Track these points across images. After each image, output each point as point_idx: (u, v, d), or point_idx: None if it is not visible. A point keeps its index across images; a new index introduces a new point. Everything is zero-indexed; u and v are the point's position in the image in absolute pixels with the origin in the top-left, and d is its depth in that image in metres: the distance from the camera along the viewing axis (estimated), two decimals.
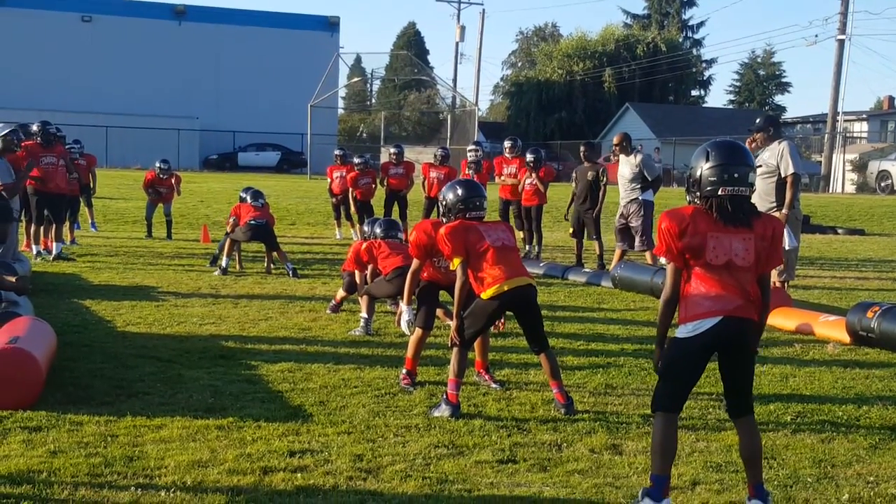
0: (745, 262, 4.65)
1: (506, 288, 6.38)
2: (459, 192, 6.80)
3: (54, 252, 14.15)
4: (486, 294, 6.43)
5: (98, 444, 5.51)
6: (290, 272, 13.05)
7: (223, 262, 13.31)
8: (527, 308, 6.62)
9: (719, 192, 4.64)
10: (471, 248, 6.46)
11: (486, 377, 7.29)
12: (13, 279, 8.01)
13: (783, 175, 10.45)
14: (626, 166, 13.39)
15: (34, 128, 14.25)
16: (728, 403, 4.85)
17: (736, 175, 4.64)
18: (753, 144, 10.85)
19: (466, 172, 16.99)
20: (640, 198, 13.28)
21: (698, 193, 4.74)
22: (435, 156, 17.95)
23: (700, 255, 4.64)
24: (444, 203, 6.86)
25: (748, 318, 4.68)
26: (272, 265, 13.75)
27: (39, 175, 13.74)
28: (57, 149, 14.40)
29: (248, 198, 14.06)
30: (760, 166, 10.52)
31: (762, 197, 10.70)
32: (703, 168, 4.71)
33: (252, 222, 13.37)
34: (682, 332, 4.77)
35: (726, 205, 4.63)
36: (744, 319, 4.66)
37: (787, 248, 10.44)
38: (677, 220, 4.66)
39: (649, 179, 13.31)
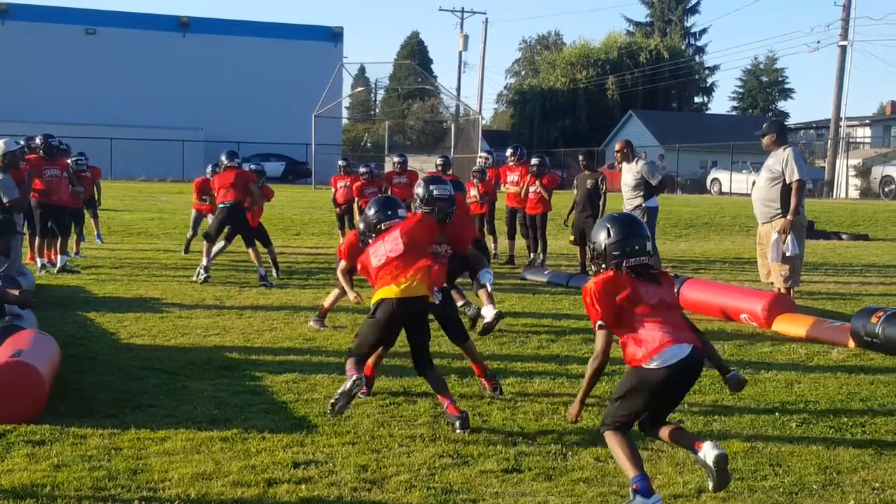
0: (673, 301, 5.18)
1: (398, 297, 6.41)
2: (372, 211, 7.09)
3: (59, 265, 14.16)
4: (373, 299, 6.59)
5: (102, 457, 5.50)
6: (260, 278, 12.97)
7: (202, 266, 13.09)
8: (416, 322, 6.64)
9: (624, 265, 5.10)
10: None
11: (485, 383, 7.23)
12: (17, 293, 8.02)
13: (788, 181, 10.44)
14: (629, 174, 13.36)
15: (37, 140, 14.28)
16: (651, 422, 5.13)
17: (636, 247, 5.15)
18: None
19: (472, 181, 17.03)
20: (643, 204, 13.26)
21: (603, 266, 5.19)
22: (436, 165, 17.97)
23: (638, 301, 5.01)
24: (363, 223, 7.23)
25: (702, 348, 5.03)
26: (275, 272, 13.69)
27: (42, 188, 13.76)
28: (60, 161, 14.42)
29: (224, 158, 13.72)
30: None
31: (767, 203, 10.70)
32: (606, 243, 5.16)
33: (221, 205, 13.18)
34: (651, 363, 4.91)
35: (633, 273, 5.09)
36: (699, 349, 4.98)
37: (790, 254, 10.44)
38: (603, 284, 5.08)
39: (653, 185, 13.25)
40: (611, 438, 4.95)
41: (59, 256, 14.32)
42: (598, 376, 5.15)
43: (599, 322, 5.09)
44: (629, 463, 4.84)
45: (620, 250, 5.13)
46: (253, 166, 15.53)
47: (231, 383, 7.36)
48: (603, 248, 5.20)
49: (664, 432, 5.08)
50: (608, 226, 5.23)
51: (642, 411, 4.99)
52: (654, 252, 12.88)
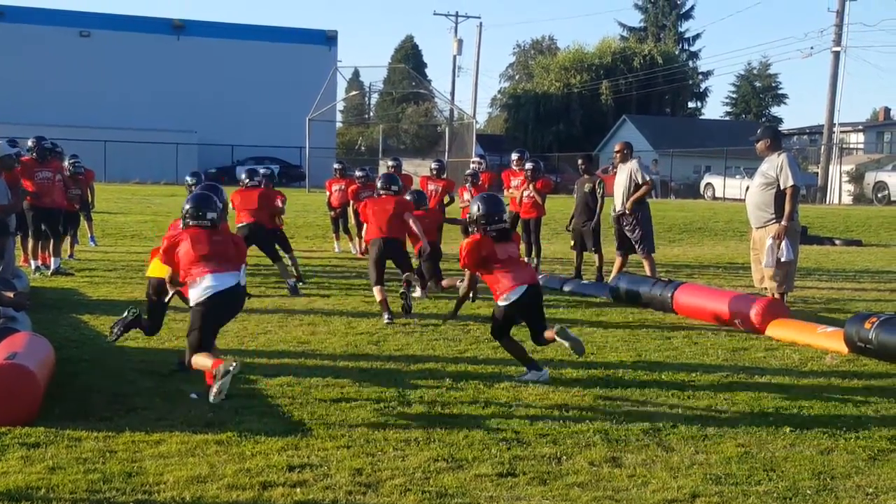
0: (517, 254, 8.00)
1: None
2: None
3: (52, 267, 14.14)
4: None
5: (97, 459, 5.50)
6: (291, 290, 12.72)
7: None
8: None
9: (489, 229, 7.84)
10: None
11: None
12: (11, 295, 8.00)
13: (782, 187, 10.46)
14: (623, 174, 13.37)
15: (29, 143, 14.26)
16: (533, 336, 7.87)
17: (496, 218, 7.90)
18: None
19: (464, 185, 17.04)
20: (634, 208, 13.24)
21: (475, 228, 7.93)
22: (431, 169, 17.99)
23: (495, 257, 7.75)
24: None
25: (537, 283, 7.92)
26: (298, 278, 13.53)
27: (34, 190, 13.76)
28: (52, 164, 14.40)
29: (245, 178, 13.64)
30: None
31: (761, 208, 10.72)
32: (477, 215, 7.90)
33: (240, 225, 13.02)
34: (502, 301, 7.73)
35: (496, 234, 7.85)
36: (537, 284, 7.92)
37: (784, 259, 10.46)
38: (473, 243, 7.85)
39: (639, 182, 13.22)
40: (503, 343, 7.92)
41: (52, 259, 14.30)
42: (462, 301, 8.57)
43: (466, 267, 8.02)
44: (518, 355, 7.85)
45: (486, 220, 7.85)
46: (263, 170, 15.34)
47: None
48: (475, 217, 7.91)
49: (548, 335, 7.61)
50: (478, 203, 7.96)
51: (509, 327, 7.86)
52: (650, 251, 13.01)
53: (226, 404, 6.76)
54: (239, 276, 7.19)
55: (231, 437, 5.96)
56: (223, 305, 7.14)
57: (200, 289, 7.02)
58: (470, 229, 8.04)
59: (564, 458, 5.71)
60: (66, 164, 16.31)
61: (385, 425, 6.34)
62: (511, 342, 7.83)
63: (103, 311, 10.82)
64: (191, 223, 7.33)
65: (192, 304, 7.14)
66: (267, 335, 9.66)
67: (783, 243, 10.42)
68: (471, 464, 5.56)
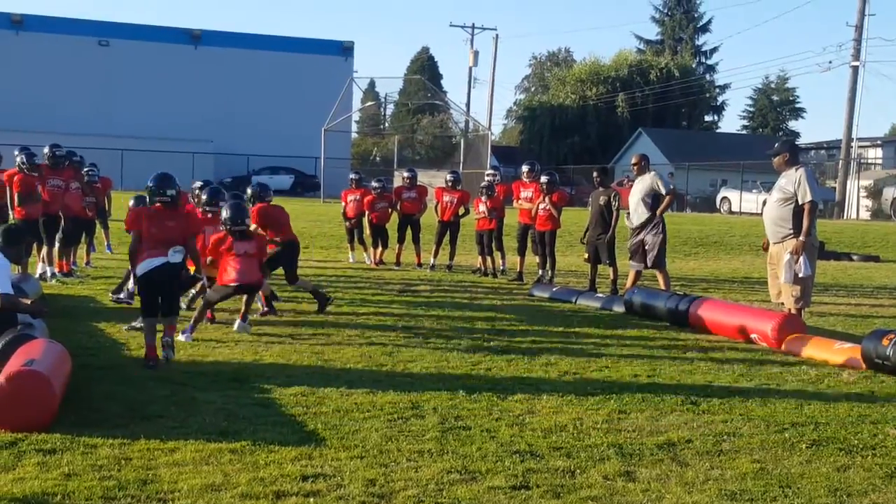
0: (254, 251, 10.32)
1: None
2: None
3: (38, 272, 14.08)
4: None
5: (112, 466, 5.51)
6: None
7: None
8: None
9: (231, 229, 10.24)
10: None
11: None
12: (29, 302, 8.04)
13: (800, 202, 10.42)
14: (640, 185, 13.35)
15: (44, 150, 14.32)
16: None
17: (236, 220, 10.28)
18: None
19: (480, 197, 17.08)
20: (655, 217, 13.24)
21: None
22: (446, 180, 18.05)
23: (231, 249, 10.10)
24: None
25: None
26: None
27: (45, 198, 13.82)
28: (65, 172, 14.44)
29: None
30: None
31: (777, 223, 10.68)
32: (224, 217, 10.36)
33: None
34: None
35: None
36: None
37: (802, 275, 10.42)
38: (216, 240, 10.26)
39: (663, 193, 13.24)
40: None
41: (41, 264, 14.27)
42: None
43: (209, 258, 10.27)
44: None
45: (230, 223, 10.15)
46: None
47: (240, 395, 7.37)
48: (223, 218, 10.26)
49: None
50: (225, 207, 10.43)
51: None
52: (662, 265, 12.98)
53: (240, 413, 6.78)
54: None
55: (245, 445, 5.97)
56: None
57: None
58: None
59: (578, 471, 5.69)
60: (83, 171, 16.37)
61: (398, 436, 6.33)
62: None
63: (119, 319, 10.84)
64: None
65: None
66: (281, 345, 9.67)
67: (801, 259, 10.38)
68: (484, 476, 5.54)
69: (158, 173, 9.21)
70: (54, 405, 6.28)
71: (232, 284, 10.27)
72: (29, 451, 5.76)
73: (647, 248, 13.23)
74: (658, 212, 13.17)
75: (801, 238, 10.37)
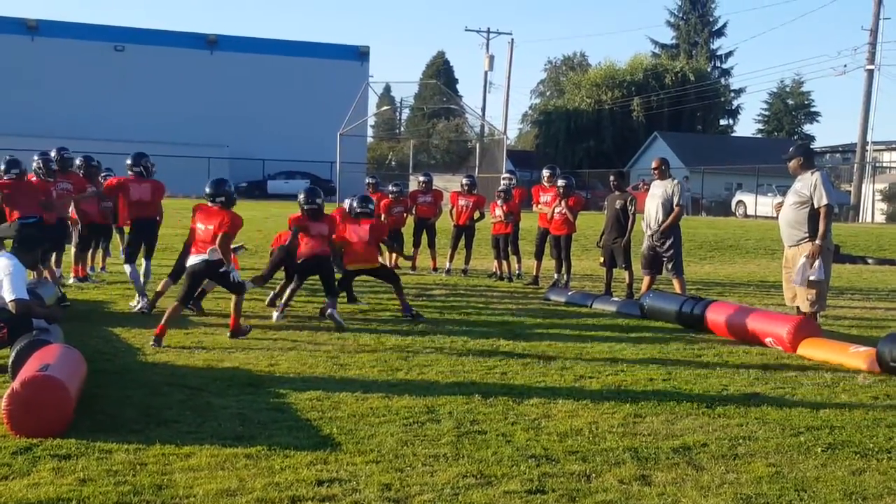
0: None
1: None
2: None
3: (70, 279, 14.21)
4: None
5: (127, 472, 5.53)
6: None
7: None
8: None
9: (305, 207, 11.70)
10: None
11: None
12: (45, 307, 8.08)
13: (816, 206, 10.38)
14: (661, 189, 13.31)
15: (52, 154, 14.39)
16: None
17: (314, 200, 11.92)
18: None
19: (496, 201, 17.09)
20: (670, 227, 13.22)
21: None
22: (462, 184, 18.06)
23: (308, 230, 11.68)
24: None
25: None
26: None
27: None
28: (71, 176, 14.49)
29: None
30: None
31: (793, 226, 10.64)
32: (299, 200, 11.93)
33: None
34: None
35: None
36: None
37: (816, 279, 10.38)
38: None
39: (677, 206, 13.20)
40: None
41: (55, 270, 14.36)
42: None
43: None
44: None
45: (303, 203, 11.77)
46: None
47: (255, 400, 7.38)
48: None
49: None
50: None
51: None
52: (680, 271, 12.95)
53: (255, 418, 6.79)
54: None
55: (260, 450, 5.97)
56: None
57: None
58: None
59: (594, 475, 5.68)
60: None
61: (414, 441, 6.33)
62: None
63: (135, 324, 10.89)
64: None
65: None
66: (297, 349, 9.68)
67: (816, 262, 10.33)
68: (500, 480, 5.54)
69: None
70: (69, 410, 6.30)
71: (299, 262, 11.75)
72: (44, 456, 5.78)
73: (663, 257, 13.19)
74: (664, 226, 13.11)
75: (816, 241, 10.32)
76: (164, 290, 12.09)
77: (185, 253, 11.05)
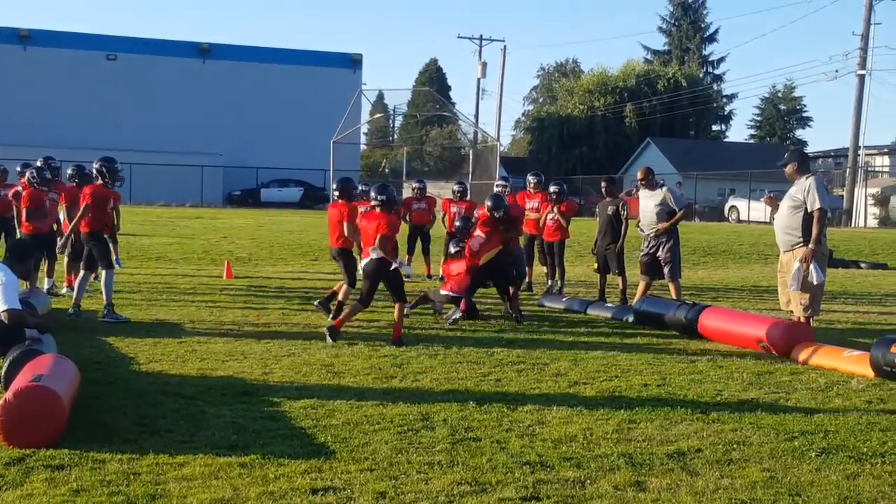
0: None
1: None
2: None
3: (46, 287, 14.16)
4: None
5: (121, 482, 5.51)
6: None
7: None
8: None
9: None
10: None
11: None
12: (37, 317, 8.06)
13: (809, 210, 10.40)
14: (652, 200, 13.32)
15: (38, 163, 14.38)
16: None
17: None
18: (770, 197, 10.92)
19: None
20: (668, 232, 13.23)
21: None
22: (453, 191, 18.06)
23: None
24: None
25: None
26: None
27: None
28: (57, 185, 14.48)
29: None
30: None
31: (788, 231, 10.66)
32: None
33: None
34: None
35: None
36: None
37: (815, 283, 10.39)
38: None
39: (678, 211, 13.23)
40: None
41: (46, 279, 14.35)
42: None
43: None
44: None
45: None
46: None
47: (249, 409, 7.37)
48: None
49: None
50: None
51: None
52: (678, 275, 13.00)
53: (250, 427, 6.78)
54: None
55: (255, 459, 5.96)
56: None
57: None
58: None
59: (588, 482, 5.68)
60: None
61: (409, 448, 6.32)
62: None
63: (127, 333, 10.87)
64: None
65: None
66: (291, 357, 9.67)
67: (811, 266, 10.35)
68: (494, 487, 5.53)
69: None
70: (62, 421, 6.27)
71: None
72: (37, 466, 5.76)
73: (661, 261, 13.21)
74: (664, 226, 13.13)
75: (810, 245, 10.34)
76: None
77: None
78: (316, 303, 13.00)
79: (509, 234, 13.07)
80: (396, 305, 10.79)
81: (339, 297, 12.34)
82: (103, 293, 12.22)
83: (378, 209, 10.90)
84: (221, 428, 6.74)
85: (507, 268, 12.97)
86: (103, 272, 12.39)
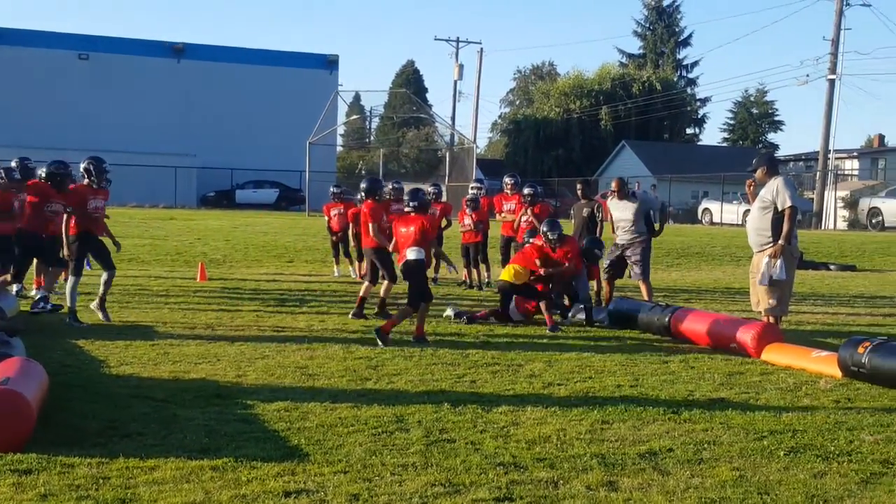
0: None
1: None
2: None
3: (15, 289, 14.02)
4: None
5: (90, 486, 5.46)
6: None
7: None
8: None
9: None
10: None
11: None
12: (5, 319, 8.01)
13: (780, 208, 10.49)
14: (628, 210, 13.40)
15: (13, 164, 14.25)
16: None
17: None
18: (752, 188, 10.96)
19: (465, 210, 17.11)
20: (642, 237, 13.35)
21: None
22: (427, 192, 18.03)
23: None
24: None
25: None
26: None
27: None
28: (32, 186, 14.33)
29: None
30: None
31: (758, 232, 10.74)
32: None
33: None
34: None
35: None
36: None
37: (776, 278, 10.47)
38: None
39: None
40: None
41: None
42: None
43: None
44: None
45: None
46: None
47: (222, 412, 7.33)
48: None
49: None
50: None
51: None
52: (646, 275, 13.10)
53: (222, 430, 6.75)
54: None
55: (227, 462, 5.93)
56: None
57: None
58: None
59: (561, 482, 5.70)
60: None
61: (382, 450, 6.31)
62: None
63: (98, 336, 10.80)
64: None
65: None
66: (265, 360, 9.64)
67: (778, 262, 10.44)
68: (468, 489, 5.54)
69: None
70: (30, 424, 6.19)
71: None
72: (4, 471, 5.69)
73: (631, 261, 13.29)
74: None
75: (780, 241, 10.42)
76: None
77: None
78: (351, 314, 12.91)
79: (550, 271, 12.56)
80: (422, 305, 11.08)
81: (382, 293, 12.90)
82: (67, 298, 12.08)
83: (413, 213, 11.32)
84: (193, 431, 6.70)
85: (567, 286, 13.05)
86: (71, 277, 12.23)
